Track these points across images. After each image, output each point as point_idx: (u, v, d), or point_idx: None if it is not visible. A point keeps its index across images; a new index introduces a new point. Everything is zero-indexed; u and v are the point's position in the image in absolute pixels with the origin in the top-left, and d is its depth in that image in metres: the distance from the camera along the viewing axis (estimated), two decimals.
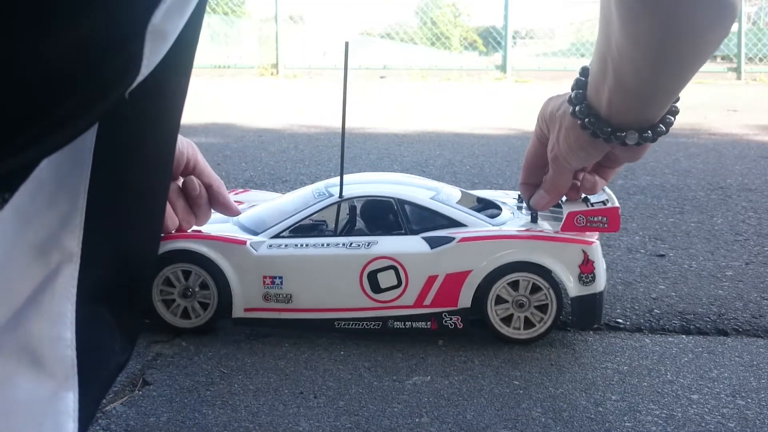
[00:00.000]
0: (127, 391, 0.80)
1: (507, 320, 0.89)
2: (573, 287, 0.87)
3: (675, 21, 0.54)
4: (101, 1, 0.26)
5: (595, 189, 0.83)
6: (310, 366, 0.85)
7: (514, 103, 3.75)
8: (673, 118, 0.68)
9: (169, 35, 0.30)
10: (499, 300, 0.88)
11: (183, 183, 0.85)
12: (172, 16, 0.29)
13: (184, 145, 0.84)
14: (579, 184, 0.84)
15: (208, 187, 0.86)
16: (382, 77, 5.60)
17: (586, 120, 0.67)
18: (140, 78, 0.29)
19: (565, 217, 0.87)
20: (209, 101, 3.60)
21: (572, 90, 0.69)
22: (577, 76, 0.69)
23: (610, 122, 0.66)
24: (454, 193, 0.97)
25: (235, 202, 1.05)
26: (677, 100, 0.68)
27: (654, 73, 0.58)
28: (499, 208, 0.97)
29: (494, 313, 0.89)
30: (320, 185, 0.97)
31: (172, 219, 0.85)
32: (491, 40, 6.19)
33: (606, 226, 0.86)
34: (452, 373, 0.84)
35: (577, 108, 0.67)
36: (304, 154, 2.24)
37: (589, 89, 0.67)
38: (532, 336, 0.89)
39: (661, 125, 0.67)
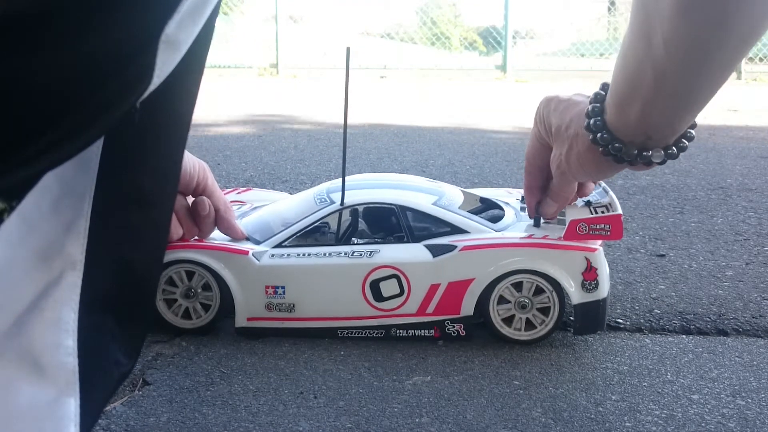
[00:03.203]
0: (127, 391, 0.80)
1: (508, 321, 0.89)
2: (576, 294, 0.87)
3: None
4: (115, 12, 0.26)
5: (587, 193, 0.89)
6: (310, 366, 0.85)
7: (514, 103, 3.75)
8: (693, 132, 0.65)
9: (182, 45, 0.30)
10: (502, 300, 0.88)
11: (193, 202, 0.87)
12: (185, 26, 0.29)
13: (195, 168, 0.85)
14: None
15: (216, 210, 0.88)
16: (382, 77, 5.60)
17: (609, 147, 0.65)
18: (152, 88, 0.29)
19: (567, 225, 0.86)
20: (209, 101, 3.60)
21: (589, 118, 0.66)
22: (591, 104, 0.66)
23: (634, 143, 0.64)
24: (456, 195, 0.97)
25: (237, 201, 1.06)
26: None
27: (706, 65, 0.55)
28: (502, 210, 0.97)
29: (496, 313, 0.89)
30: (322, 189, 0.97)
31: (176, 230, 0.87)
32: (491, 40, 6.18)
33: (608, 233, 0.86)
34: (452, 373, 0.84)
35: (598, 135, 0.65)
36: (304, 154, 2.24)
37: (610, 112, 0.64)
38: (533, 338, 0.89)
39: (683, 140, 0.65)
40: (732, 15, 0.52)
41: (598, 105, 0.66)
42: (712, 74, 0.56)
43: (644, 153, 0.64)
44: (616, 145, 0.64)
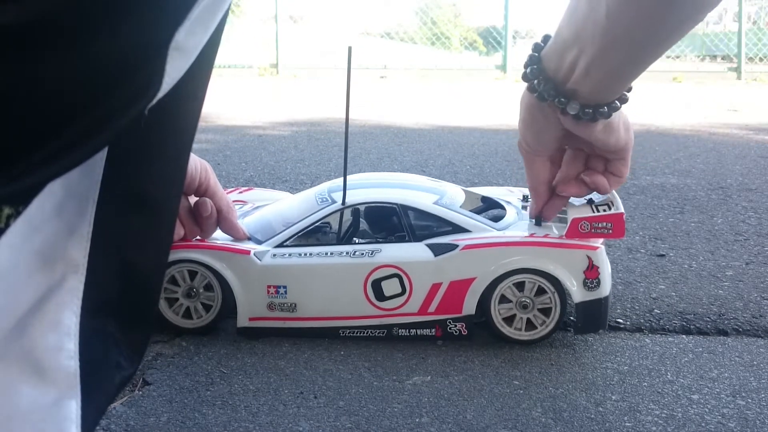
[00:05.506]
0: (127, 391, 0.80)
1: (509, 320, 0.89)
2: (578, 293, 0.87)
3: None
4: (125, 20, 0.26)
5: (599, 186, 0.82)
6: (310, 366, 0.85)
7: (514, 103, 3.74)
8: (619, 105, 0.68)
9: (191, 51, 0.30)
10: (503, 299, 0.88)
11: (195, 203, 0.87)
12: (195, 33, 0.29)
13: (198, 168, 0.85)
14: (585, 180, 0.82)
15: (218, 211, 0.88)
16: (382, 77, 5.60)
17: (535, 81, 0.67)
18: (161, 95, 0.29)
19: (569, 223, 0.86)
20: (209, 101, 3.60)
21: (526, 67, 0.69)
22: (537, 41, 0.70)
23: (562, 88, 0.66)
24: (457, 194, 0.97)
25: (239, 201, 1.06)
26: (629, 89, 0.68)
27: (638, 39, 0.58)
28: (504, 209, 0.97)
29: (497, 312, 0.89)
30: (323, 189, 0.97)
31: (177, 230, 0.87)
32: (491, 40, 6.19)
33: (611, 231, 0.86)
34: (452, 373, 0.84)
35: (528, 69, 0.68)
36: (304, 154, 2.24)
37: (548, 51, 0.67)
38: (533, 338, 0.89)
39: (605, 107, 0.67)
40: (667, 10, 0.55)
41: (542, 44, 0.68)
42: (642, 56, 0.60)
43: (562, 99, 0.66)
44: (541, 80, 0.67)
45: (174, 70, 0.29)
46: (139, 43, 0.27)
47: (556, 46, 0.66)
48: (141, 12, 0.27)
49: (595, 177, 0.81)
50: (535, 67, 0.68)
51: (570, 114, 0.68)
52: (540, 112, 0.71)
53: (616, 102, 0.68)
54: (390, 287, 0.89)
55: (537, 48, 0.69)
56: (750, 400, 0.78)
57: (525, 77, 0.69)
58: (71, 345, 0.32)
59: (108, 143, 0.30)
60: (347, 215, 0.93)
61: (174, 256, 0.89)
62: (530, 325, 0.89)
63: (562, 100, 0.67)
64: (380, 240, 0.91)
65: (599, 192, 0.84)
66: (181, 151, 0.36)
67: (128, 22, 0.26)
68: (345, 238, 0.92)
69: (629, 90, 0.69)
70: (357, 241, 0.91)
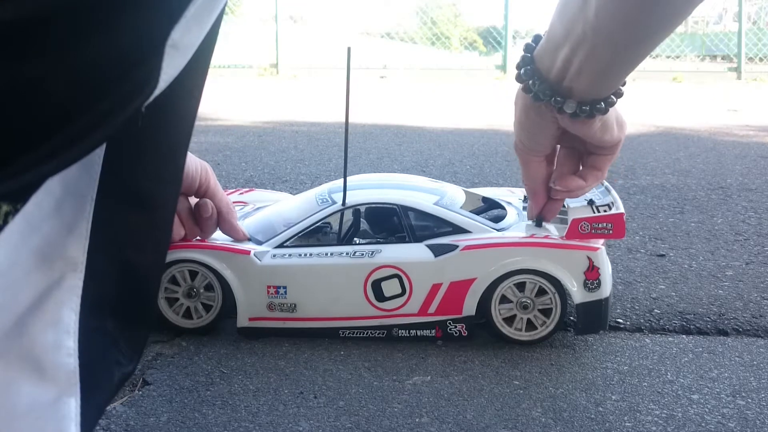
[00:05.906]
0: (127, 391, 0.80)
1: (509, 320, 0.89)
2: (578, 294, 0.87)
3: None
4: (121, 18, 0.26)
5: (573, 189, 0.78)
6: (310, 366, 0.85)
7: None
8: (615, 99, 0.68)
9: (188, 49, 0.30)
10: (504, 299, 0.88)
11: (196, 204, 0.87)
12: (191, 30, 0.29)
13: (198, 169, 0.85)
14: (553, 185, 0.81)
15: (218, 212, 0.88)
16: (382, 77, 5.60)
17: (530, 82, 0.67)
18: (157, 92, 0.29)
19: (569, 224, 0.86)
20: (209, 101, 3.60)
21: (518, 68, 0.69)
22: (528, 41, 0.70)
23: (557, 88, 0.66)
24: (458, 195, 0.97)
25: (240, 202, 1.06)
26: (624, 83, 0.68)
27: (629, 36, 0.59)
28: (504, 209, 0.97)
29: (497, 312, 0.89)
30: (323, 190, 0.97)
31: (178, 230, 0.87)
32: (491, 40, 6.19)
33: (611, 232, 0.86)
34: (452, 373, 0.84)
35: (522, 70, 0.68)
36: (304, 154, 2.24)
37: (540, 51, 0.67)
38: (533, 339, 0.89)
39: (602, 103, 0.67)
40: (655, 4, 0.55)
41: (533, 44, 0.68)
42: (633, 52, 0.60)
43: (558, 98, 0.66)
44: (536, 81, 0.67)
45: (170, 67, 0.29)
46: (135, 40, 0.27)
47: (548, 46, 0.66)
48: (137, 10, 0.27)
49: (567, 182, 0.79)
50: (528, 67, 0.68)
51: (567, 113, 0.68)
52: (536, 113, 0.70)
53: (612, 97, 0.68)
54: (390, 288, 0.89)
55: (529, 48, 0.69)
56: (750, 400, 0.78)
57: (519, 78, 0.69)
58: (70, 343, 0.32)
59: (105, 140, 0.30)
60: (347, 216, 0.93)
61: (175, 256, 0.89)
62: (530, 326, 0.89)
63: (558, 99, 0.67)
64: (380, 240, 0.91)
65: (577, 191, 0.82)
66: (178, 148, 0.36)
67: (125, 19, 0.26)
68: (345, 238, 0.92)
69: (623, 84, 0.69)
70: (357, 242, 0.91)
